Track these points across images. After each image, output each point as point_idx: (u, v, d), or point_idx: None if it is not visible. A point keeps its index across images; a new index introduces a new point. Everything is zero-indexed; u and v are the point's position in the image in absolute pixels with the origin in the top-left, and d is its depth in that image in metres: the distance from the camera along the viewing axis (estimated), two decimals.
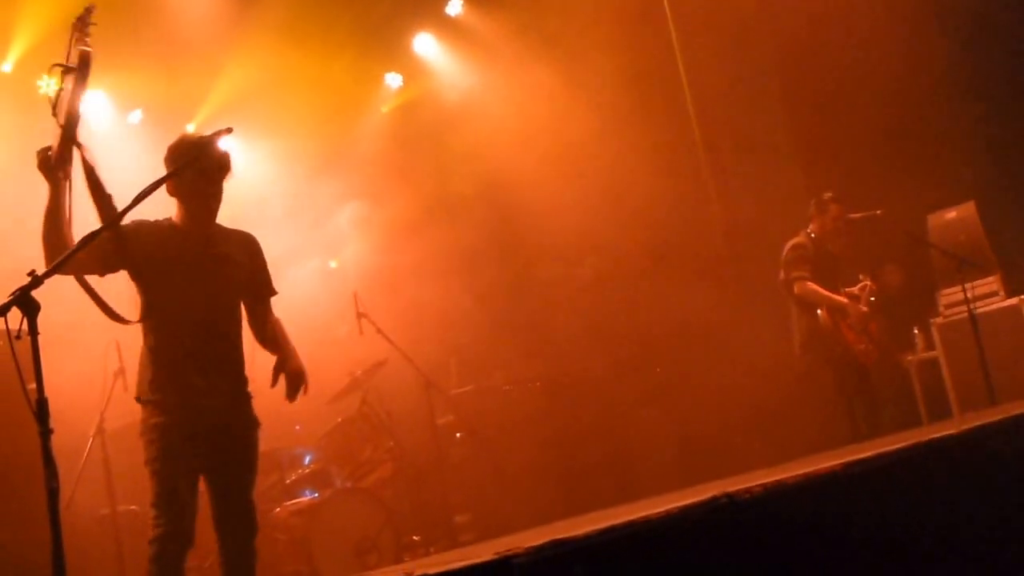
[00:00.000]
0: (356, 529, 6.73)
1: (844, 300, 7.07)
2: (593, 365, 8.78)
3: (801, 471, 3.29)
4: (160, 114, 9.07)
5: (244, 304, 4.37)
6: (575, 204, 8.70)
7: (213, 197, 4.25)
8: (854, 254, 7.34)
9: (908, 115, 8.03)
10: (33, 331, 3.12)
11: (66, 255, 3.50)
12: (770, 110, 8.88)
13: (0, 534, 5.57)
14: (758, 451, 7.37)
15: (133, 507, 6.75)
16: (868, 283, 7.20)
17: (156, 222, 4.25)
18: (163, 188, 3.90)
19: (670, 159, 8.66)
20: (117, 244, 4.00)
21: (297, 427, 8.09)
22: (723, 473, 5.73)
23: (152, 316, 4.19)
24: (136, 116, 9.20)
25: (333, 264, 10.21)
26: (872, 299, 7.17)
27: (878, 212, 7.07)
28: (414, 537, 7.52)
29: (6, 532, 5.42)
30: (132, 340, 7.02)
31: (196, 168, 4.04)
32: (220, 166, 4.23)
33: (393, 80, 10.32)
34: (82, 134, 4.04)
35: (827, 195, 7.28)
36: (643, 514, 2.88)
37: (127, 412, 6.71)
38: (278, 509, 7.01)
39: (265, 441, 7.30)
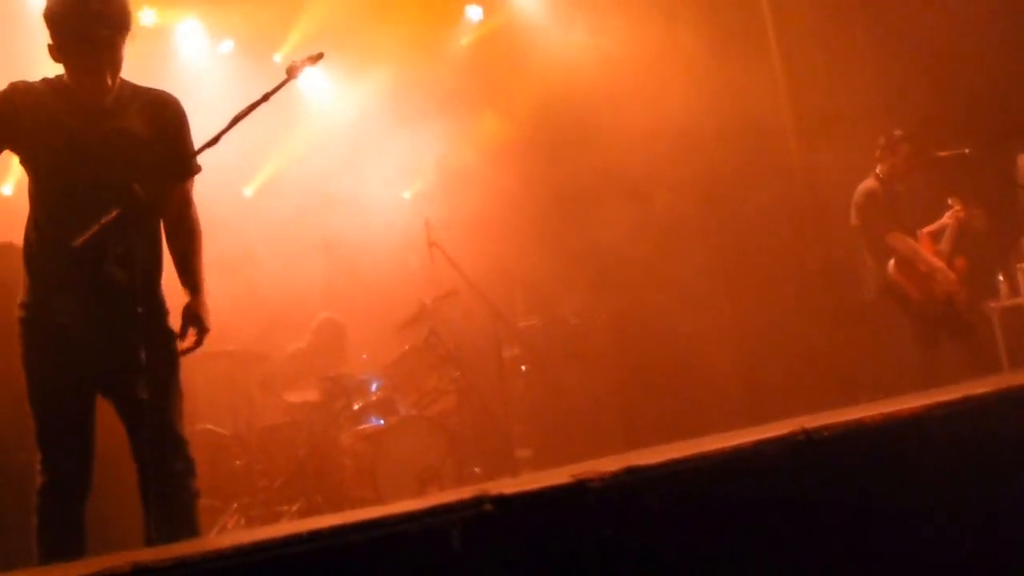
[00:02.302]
0: (419, 458, 6.73)
1: (935, 263, 6.78)
2: (661, 301, 8.63)
3: (880, 411, 3.16)
4: (250, 44, 9.11)
5: (158, 190, 3.51)
6: (652, 140, 8.50)
7: (103, 67, 3.42)
8: (939, 192, 7.06)
9: (1001, 56, 7.66)
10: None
11: None
12: (854, 41, 8.51)
13: None
14: (828, 394, 7.22)
15: (209, 426, 6.88)
16: (958, 209, 6.89)
17: (37, 83, 3.51)
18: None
19: (751, 97, 8.39)
20: None
21: (364, 355, 8.13)
22: (792, 413, 5.59)
23: (34, 207, 3.50)
24: (227, 46, 9.27)
25: (407, 195, 10.17)
26: (960, 230, 6.88)
27: (966, 150, 6.78)
28: (475, 469, 7.53)
29: None
30: (216, 263, 7.16)
31: (73, 32, 3.37)
32: (104, 23, 3.38)
33: (474, 13, 10.18)
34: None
35: (897, 133, 6.96)
36: (717, 446, 2.78)
37: (211, 339, 6.83)
38: (345, 434, 7.06)
39: (334, 367, 7.48)
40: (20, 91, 3.44)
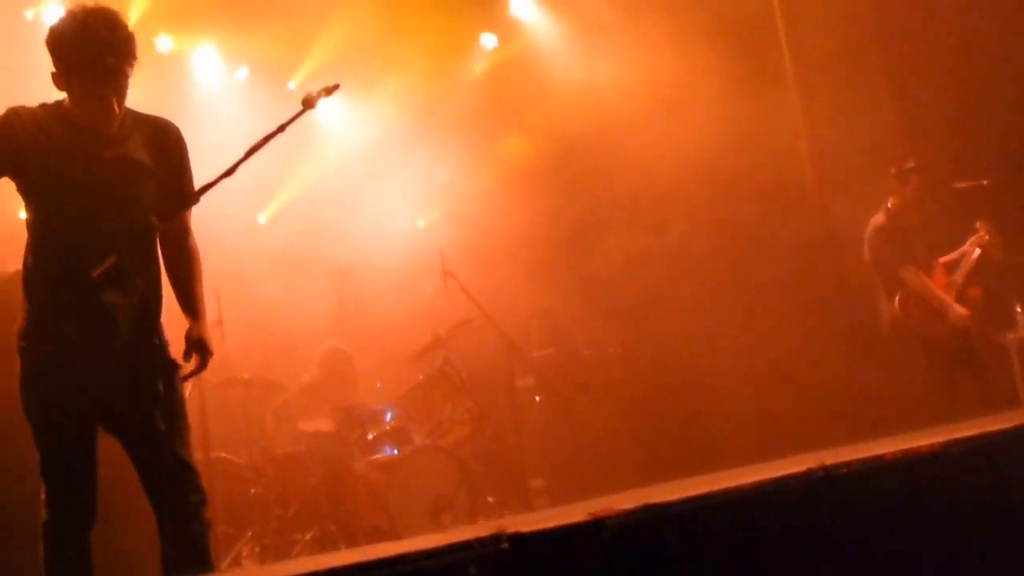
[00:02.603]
0: (433, 487, 6.74)
1: (945, 299, 6.79)
2: (676, 331, 8.64)
3: (899, 447, 3.16)
4: (265, 71, 9.20)
5: (158, 218, 3.52)
6: (664, 169, 8.54)
7: (108, 95, 3.38)
8: (960, 221, 7.07)
9: (1011, 79, 7.68)
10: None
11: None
12: (871, 74, 8.54)
13: None
14: (845, 427, 7.19)
15: (223, 454, 6.91)
16: (983, 234, 6.87)
17: (38, 109, 3.44)
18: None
19: (766, 127, 8.42)
20: None
21: (378, 384, 8.15)
22: (806, 446, 5.58)
23: (34, 233, 3.43)
24: (243, 73, 9.37)
25: (421, 223, 10.22)
26: (976, 257, 6.88)
27: (985, 182, 6.79)
28: (489, 499, 7.52)
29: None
30: (230, 290, 7.22)
31: (80, 60, 3.32)
32: (111, 51, 3.33)
33: (488, 40, 10.26)
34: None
35: (908, 164, 6.98)
36: (736, 483, 2.78)
37: (224, 367, 6.91)
38: (359, 463, 7.08)
39: (347, 397, 7.51)
40: (21, 116, 3.38)
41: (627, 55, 9.06)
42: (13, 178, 3.42)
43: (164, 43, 8.70)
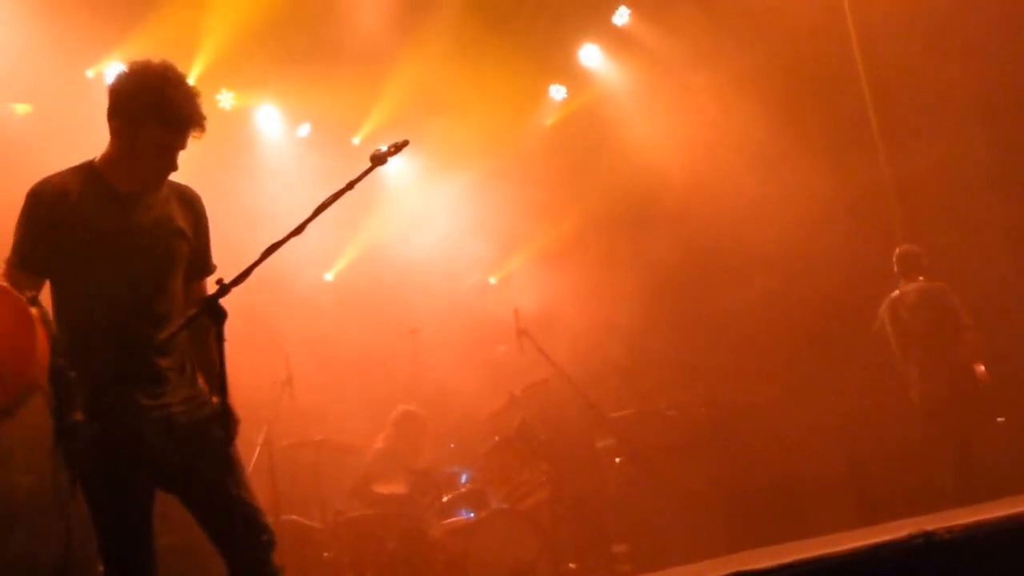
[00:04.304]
0: (512, 553, 6.72)
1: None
2: (761, 391, 8.56)
3: (1007, 511, 3.10)
4: (327, 127, 9.42)
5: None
6: (743, 219, 8.54)
7: (177, 147, 3.47)
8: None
9: None
10: (220, 338, 3.15)
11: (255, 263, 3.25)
12: (959, 117, 8.47)
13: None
14: (940, 491, 7.06)
15: (294, 517, 7.00)
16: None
17: (68, 173, 3.47)
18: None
19: (851, 178, 8.40)
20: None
21: (452, 445, 8.19)
22: (903, 512, 5.48)
23: (63, 310, 3.43)
24: (305, 130, 9.62)
25: (493, 280, 10.30)
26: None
27: None
28: (571, 565, 7.46)
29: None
30: (299, 350, 7.35)
31: (156, 117, 3.39)
32: (190, 119, 3.45)
33: (557, 92, 10.41)
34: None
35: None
36: (830, 550, 2.77)
37: (294, 429, 7.03)
38: (435, 528, 7.10)
39: (415, 459, 7.56)
40: (45, 197, 3.40)
41: (700, 102, 9.13)
42: (53, 259, 3.41)
43: (226, 99, 8.98)
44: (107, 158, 3.50)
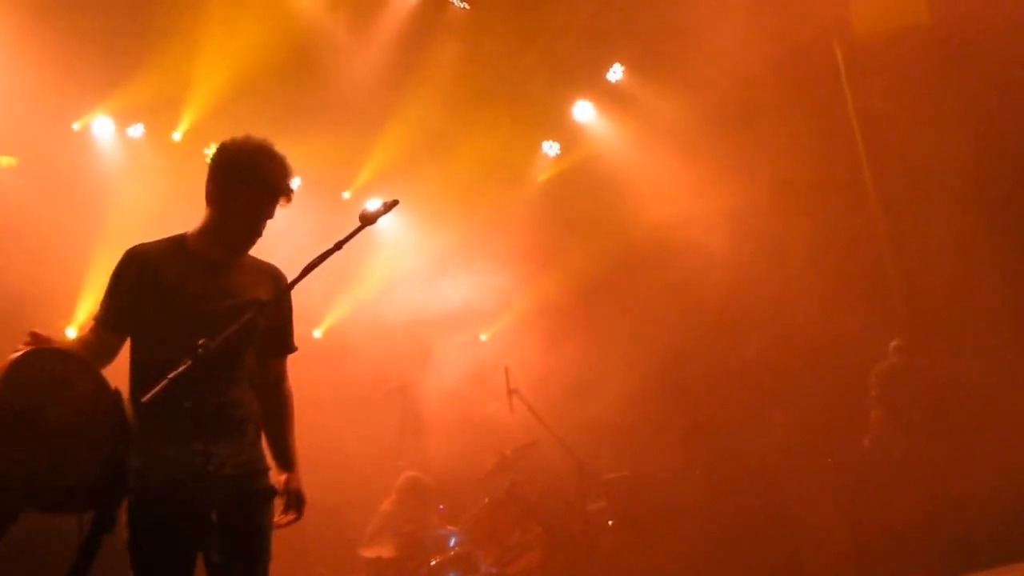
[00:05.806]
0: None
1: None
2: (756, 452, 8.54)
3: None
4: (318, 181, 9.47)
5: (255, 359, 3.76)
6: (737, 278, 8.58)
7: (258, 226, 3.74)
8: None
9: None
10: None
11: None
12: (958, 177, 8.55)
13: None
14: (940, 549, 7.02)
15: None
16: None
17: (163, 242, 3.71)
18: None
19: (842, 233, 8.45)
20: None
21: (441, 506, 8.13)
22: (901, 572, 5.46)
23: (138, 368, 3.57)
24: (295, 183, 9.66)
25: (483, 337, 10.31)
26: None
27: None
28: None
29: None
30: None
31: (248, 182, 3.68)
32: (279, 188, 3.75)
33: (550, 148, 10.50)
34: None
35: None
36: None
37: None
38: None
39: (410, 521, 7.50)
40: (136, 259, 3.62)
41: (694, 159, 9.21)
42: (137, 319, 3.59)
43: (212, 152, 9.04)
44: (199, 227, 3.72)
